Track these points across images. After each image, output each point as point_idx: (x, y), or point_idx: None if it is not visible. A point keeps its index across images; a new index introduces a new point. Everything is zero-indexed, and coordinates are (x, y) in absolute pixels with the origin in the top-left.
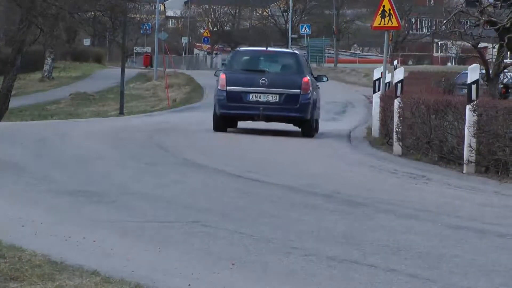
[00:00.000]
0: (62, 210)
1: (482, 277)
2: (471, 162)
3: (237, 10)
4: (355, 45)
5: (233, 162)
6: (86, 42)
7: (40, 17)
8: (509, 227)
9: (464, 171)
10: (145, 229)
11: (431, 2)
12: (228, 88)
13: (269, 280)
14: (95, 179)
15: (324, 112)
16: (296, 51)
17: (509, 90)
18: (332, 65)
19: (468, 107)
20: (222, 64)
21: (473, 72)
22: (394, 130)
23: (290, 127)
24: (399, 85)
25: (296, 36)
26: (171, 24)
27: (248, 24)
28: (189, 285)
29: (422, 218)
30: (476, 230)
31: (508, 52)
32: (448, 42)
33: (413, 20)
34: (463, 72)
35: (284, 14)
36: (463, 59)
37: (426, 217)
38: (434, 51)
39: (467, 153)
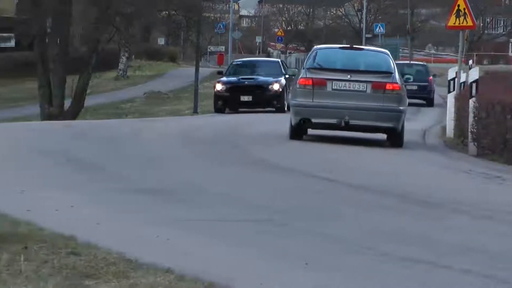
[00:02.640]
0: (137, 209)
1: None
2: None
3: (311, 10)
4: (429, 45)
5: (307, 161)
6: (161, 41)
7: (117, 16)
8: None
9: None
10: (219, 227)
11: (506, 2)
12: None
13: (343, 279)
14: (168, 178)
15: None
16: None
17: None
18: None
19: None
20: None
21: None
22: (469, 130)
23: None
24: (474, 85)
25: (370, 35)
26: (245, 23)
27: (322, 23)
28: (262, 284)
29: (497, 219)
30: None
31: None
32: None
33: (488, 19)
34: None
35: (358, 13)
36: None
37: (501, 217)
38: (510, 50)
39: None
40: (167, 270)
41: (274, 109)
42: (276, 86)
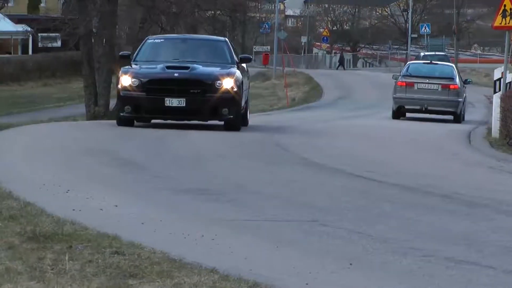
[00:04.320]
0: (181, 208)
1: None
2: None
3: (357, 9)
4: (475, 45)
5: (352, 161)
6: None
7: (162, 16)
8: None
9: None
10: (263, 227)
11: None
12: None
13: (387, 280)
14: (213, 177)
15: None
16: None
17: None
18: None
19: None
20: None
21: None
22: None
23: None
24: None
25: (416, 35)
26: (290, 23)
27: (367, 23)
28: (307, 284)
29: None
30: None
31: None
32: None
33: None
34: None
35: (404, 13)
36: None
37: None
38: None
39: None
40: (211, 270)
41: (222, 123)
42: (228, 83)
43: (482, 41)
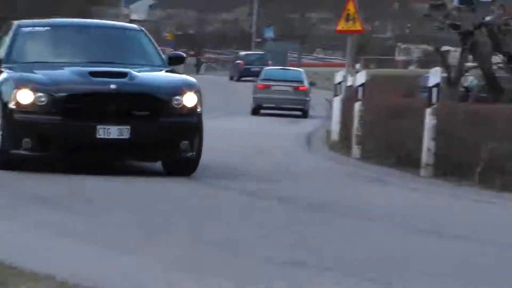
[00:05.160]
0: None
1: (446, 279)
2: (429, 165)
3: (201, 15)
4: (318, 49)
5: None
6: None
7: None
8: (464, 229)
9: (421, 175)
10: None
11: (396, 6)
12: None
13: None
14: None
15: (283, 115)
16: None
17: (469, 94)
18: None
19: (428, 110)
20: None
21: (434, 76)
22: (354, 133)
23: None
24: (360, 88)
25: (259, 40)
26: None
27: (212, 28)
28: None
29: (378, 221)
30: (433, 232)
31: (470, 56)
32: (410, 46)
33: (377, 23)
34: (425, 75)
35: (249, 17)
36: (426, 63)
37: (382, 219)
38: (396, 54)
39: (425, 157)
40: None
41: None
42: (190, 99)
43: (326, 45)
